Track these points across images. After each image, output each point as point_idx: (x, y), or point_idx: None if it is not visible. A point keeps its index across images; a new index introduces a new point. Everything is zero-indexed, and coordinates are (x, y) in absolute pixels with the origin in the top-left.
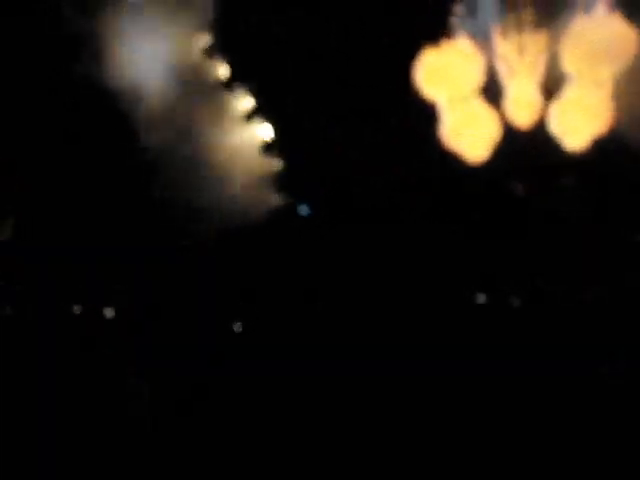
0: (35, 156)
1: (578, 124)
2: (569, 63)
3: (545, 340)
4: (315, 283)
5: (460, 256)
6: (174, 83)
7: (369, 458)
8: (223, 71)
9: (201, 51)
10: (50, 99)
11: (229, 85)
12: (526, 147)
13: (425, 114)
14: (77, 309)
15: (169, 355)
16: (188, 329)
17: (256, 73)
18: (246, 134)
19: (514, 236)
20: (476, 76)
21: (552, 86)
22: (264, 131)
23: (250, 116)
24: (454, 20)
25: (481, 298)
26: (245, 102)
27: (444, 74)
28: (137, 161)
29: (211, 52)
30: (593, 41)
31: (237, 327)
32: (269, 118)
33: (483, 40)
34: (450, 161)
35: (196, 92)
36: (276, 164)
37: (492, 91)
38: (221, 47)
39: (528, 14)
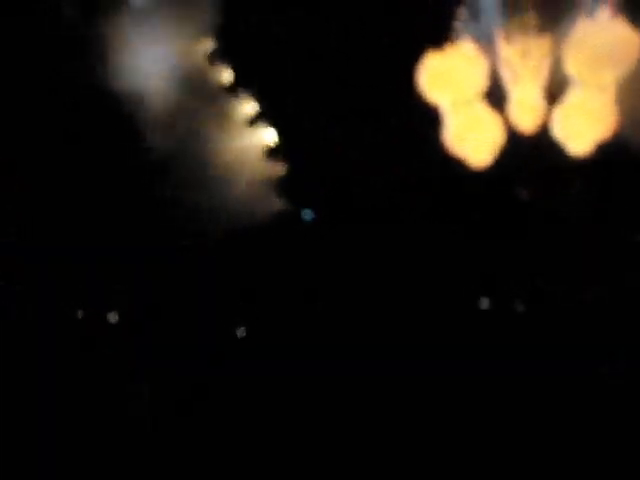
0: (38, 157)
1: (582, 128)
2: (572, 67)
3: (545, 340)
4: (317, 285)
5: (464, 258)
6: (177, 87)
7: (370, 459)
8: (227, 76)
9: (205, 55)
10: (52, 100)
11: (233, 90)
12: (529, 151)
13: (428, 118)
14: (77, 309)
15: (169, 356)
16: (189, 330)
17: (260, 78)
18: (250, 138)
19: (516, 238)
20: (479, 80)
21: (555, 90)
22: (268, 136)
23: (254, 121)
24: (457, 24)
25: (484, 302)
26: (249, 107)
27: (447, 78)
28: (140, 164)
29: (215, 57)
30: (597, 45)
31: (241, 332)
32: (273, 123)
33: (486, 44)
34: (453, 164)
35: (199, 96)
36: (280, 169)
37: (495, 95)
38: (225, 52)
39: (531, 18)
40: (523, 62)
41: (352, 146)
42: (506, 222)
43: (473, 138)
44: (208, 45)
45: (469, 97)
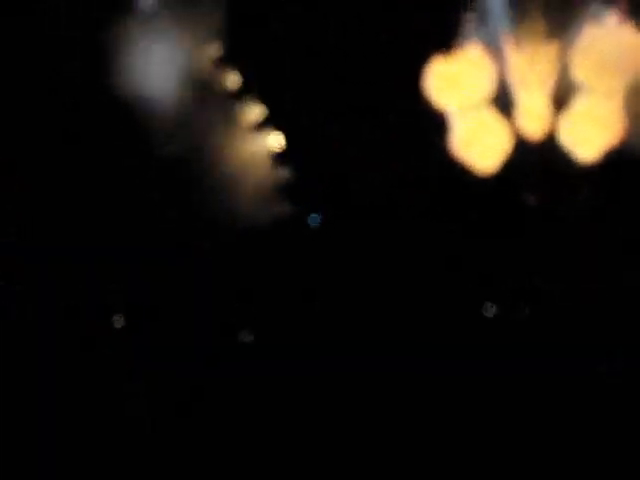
0: (38, 157)
1: (589, 135)
2: (580, 73)
3: (544, 340)
4: (320, 288)
5: (469, 262)
6: (183, 91)
7: (370, 460)
8: (233, 80)
9: (211, 60)
10: (54, 101)
11: (239, 94)
12: (536, 157)
13: (435, 123)
14: (77, 309)
15: (169, 357)
16: (189, 331)
17: (267, 83)
18: (257, 143)
19: (520, 241)
20: (486, 85)
21: (563, 96)
22: (275, 140)
23: (261, 125)
24: (465, 28)
25: (487, 304)
26: (256, 111)
27: (454, 83)
28: (145, 167)
29: (221, 61)
30: (605, 51)
31: (247, 336)
32: (280, 127)
33: (494, 49)
34: (460, 170)
35: (206, 101)
36: (286, 173)
37: (502, 101)
38: (232, 56)
39: (540, 24)
40: (531, 68)
41: (361, 152)
42: (512, 226)
43: (480, 143)
44: (215, 49)
45: (476, 102)
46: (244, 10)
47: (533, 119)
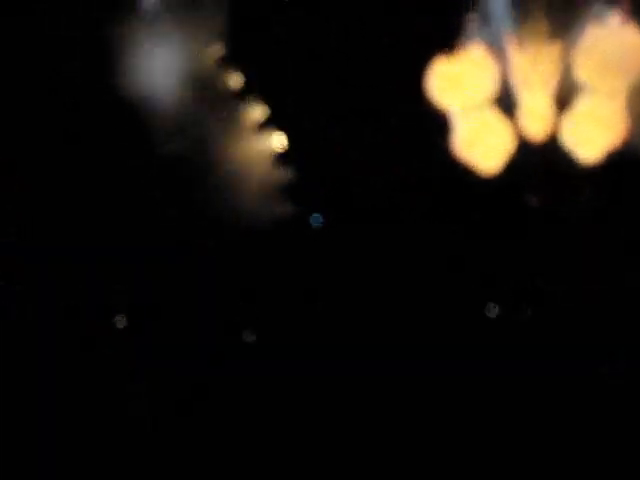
0: (38, 157)
1: (592, 135)
2: (583, 74)
3: (546, 341)
4: (322, 287)
5: (472, 263)
6: (186, 91)
7: (374, 460)
8: (236, 81)
9: (214, 60)
10: (55, 101)
11: (242, 94)
12: (539, 158)
13: (437, 123)
14: (78, 309)
15: (170, 356)
16: (190, 331)
17: (270, 83)
18: (259, 143)
19: (523, 242)
20: (489, 86)
21: (566, 97)
22: (277, 140)
23: (263, 125)
24: (468, 28)
25: (489, 305)
26: (258, 111)
27: (457, 83)
28: (147, 167)
29: (224, 61)
30: (607, 52)
31: (249, 336)
32: (282, 128)
33: (497, 49)
34: (462, 170)
35: (208, 101)
36: (289, 174)
37: (505, 101)
38: (234, 56)
39: (542, 24)
40: (533, 68)
41: (364, 153)
42: (514, 227)
43: (482, 144)
44: (218, 50)
45: (479, 103)
46: (247, 12)
47: (536, 119)
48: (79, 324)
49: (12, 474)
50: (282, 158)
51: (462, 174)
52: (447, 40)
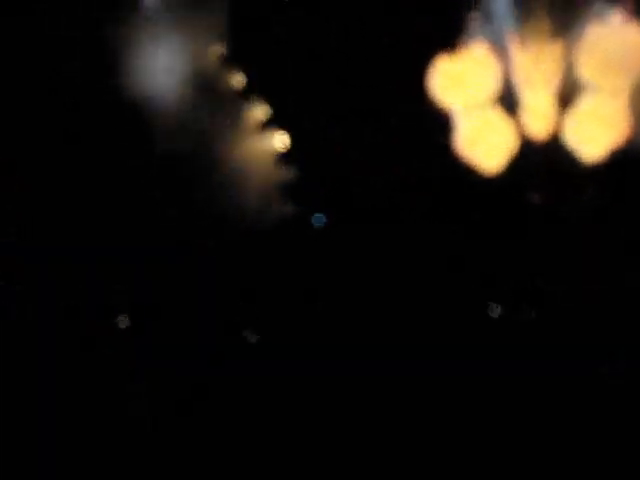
0: (38, 157)
1: (594, 134)
2: (586, 72)
3: (544, 340)
4: (322, 286)
5: (475, 262)
6: (188, 91)
7: (370, 460)
8: (238, 80)
9: (216, 59)
10: (56, 101)
11: (245, 94)
12: (541, 156)
13: (440, 122)
14: (78, 309)
15: (169, 355)
16: (190, 331)
17: (272, 82)
18: (261, 143)
19: (524, 242)
20: (492, 84)
21: (568, 95)
22: (279, 140)
23: (265, 125)
24: (470, 27)
25: (490, 305)
26: (260, 111)
27: (459, 81)
28: (149, 166)
29: (226, 61)
30: (610, 50)
31: (252, 336)
32: (284, 127)
33: (499, 48)
34: (465, 169)
35: (211, 100)
36: (291, 173)
37: (508, 100)
38: (237, 56)
39: (544, 23)
40: (536, 67)
41: (365, 151)
42: (516, 227)
43: (485, 143)
44: (220, 49)
45: (481, 101)
46: (248, 12)
47: (538, 118)
48: (79, 324)
49: (12, 474)
50: (284, 158)
51: (464, 173)
52: (449, 39)
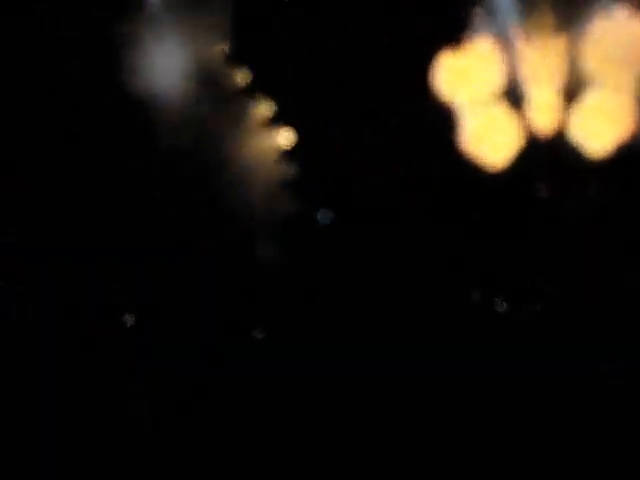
0: (38, 157)
1: (600, 129)
2: (591, 67)
3: (544, 340)
4: (324, 285)
5: (472, 260)
6: (193, 89)
7: (370, 459)
8: (243, 77)
9: (221, 57)
10: (58, 101)
11: (249, 91)
12: (547, 152)
13: (444, 118)
14: (78, 309)
15: (169, 355)
16: (190, 330)
17: (277, 79)
18: (266, 140)
19: (528, 239)
20: (497, 80)
21: (574, 90)
22: (284, 137)
23: (270, 122)
24: (474, 21)
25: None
26: (265, 108)
27: (464, 77)
28: (152, 165)
29: (231, 58)
30: (615, 44)
31: (258, 333)
32: (290, 124)
33: (504, 42)
34: (470, 165)
35: (215, 98)
36: (296, 170)
37: (512, 95)
38: (241, 53)
39: (549, 17)
40: (541, 62)
41: (369, 149)
42: (520, 225)
43: (490, 138)
44: (224, 46)
45: (486, 97)
46: (250, 11)
47: (543, 113)
48: (79, 324)
49: (12, 474)
50: (288, 156)
51: (470, 170)
52: (453, 34)
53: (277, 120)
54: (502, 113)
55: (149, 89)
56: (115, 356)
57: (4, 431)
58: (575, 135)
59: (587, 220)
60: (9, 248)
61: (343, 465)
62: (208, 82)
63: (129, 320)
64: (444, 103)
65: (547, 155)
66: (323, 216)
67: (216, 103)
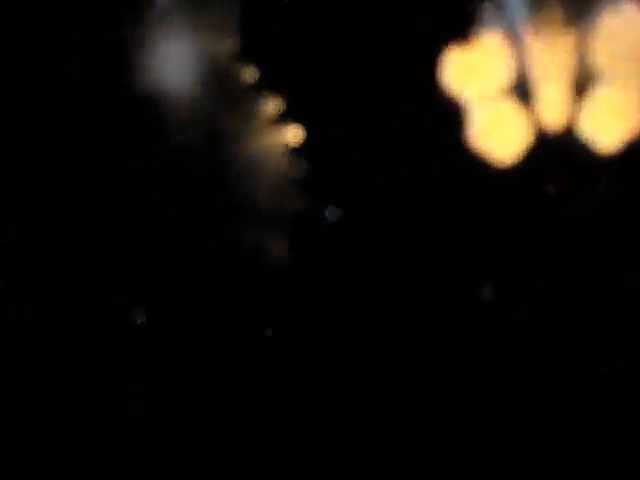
0: (38, 157)
1: (610, 124)
2: (600, 62)
3: (543, 340)
4: (327, 285)
5: (473, 260)
6: (201, 86)
7: (370, 459)
8: (252, 74)
9: (229, 54)
10: (60, 100)
11: (258, 88)
12: (556, 148)
13: (452, 114)
14: (78, 309)
15: (169, 355)
16: (190, 330)
17: (286, 76)
18: (275, 137)
19: (535, 238)
20: (505, 75)
21: (583, 86)
22: (293, 134)
23: (279, 119)
24: (483, 17)
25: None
26: (274, 105)
27: (472, 72)
28: (160, 163)
29: (240, 55)
30: (624, 40)
31: (269, 332)
32: (298, 121)
33: (512, 38)
34: (478, 162)
35: (224, 95)
36: (305, 167)
37: (521, 91)
38: (250, 50)
39: (558, 12)
40: (550, 57)
41: (375, 146)
42: (528, 222)
43: (498, 134)
44: (233, 43)
45: (494, 92)
46: (254, 10)
47: (552, 109)
48: (79, 324)
49: (12, 474)
50: (296, 153)
51: (478, 166)
52: (461, 29)
53: (286, 117)
54: (510, 109)
55: (155, 87)
56: (115, 356)
57: (4, 431)
58: (584, 131)
59: (593, 218)
60: (9, 248)
61: (346, 465)
62: (216, 80)
63: (139, 316)
64: (452, 99)
65: (556, 151)
66: (331, 213)
67: (224, 101)
